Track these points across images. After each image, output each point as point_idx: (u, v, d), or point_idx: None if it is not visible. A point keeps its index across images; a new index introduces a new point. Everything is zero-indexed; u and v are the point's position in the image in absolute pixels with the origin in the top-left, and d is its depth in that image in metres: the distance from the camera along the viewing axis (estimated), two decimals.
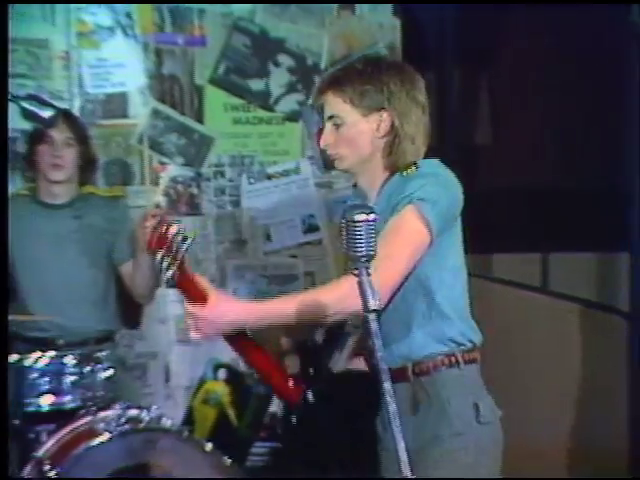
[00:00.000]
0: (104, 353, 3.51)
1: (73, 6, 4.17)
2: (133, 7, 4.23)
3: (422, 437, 2.44)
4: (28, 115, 2.66)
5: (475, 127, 4.85)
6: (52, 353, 3.40)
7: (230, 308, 2.39)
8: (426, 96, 2.58)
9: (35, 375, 3.36)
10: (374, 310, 1.97)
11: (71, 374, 3.41)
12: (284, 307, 2.37)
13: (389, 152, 2.51)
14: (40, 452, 3.21)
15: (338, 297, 2.34)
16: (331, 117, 2.53)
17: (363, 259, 1.97)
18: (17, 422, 3.35)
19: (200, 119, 4.33)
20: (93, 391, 3.42)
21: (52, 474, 3.11)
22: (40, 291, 3.69)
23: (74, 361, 3.42)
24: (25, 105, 2.63)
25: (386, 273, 2.31)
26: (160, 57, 4.29)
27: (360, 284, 1.98)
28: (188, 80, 4.32)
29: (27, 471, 3.18)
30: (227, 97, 4.34)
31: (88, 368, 3.43)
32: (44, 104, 2.71)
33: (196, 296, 2.40)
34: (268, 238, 4.45)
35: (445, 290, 2.50)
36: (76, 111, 4.14)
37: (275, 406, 3.38)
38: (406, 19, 4.43)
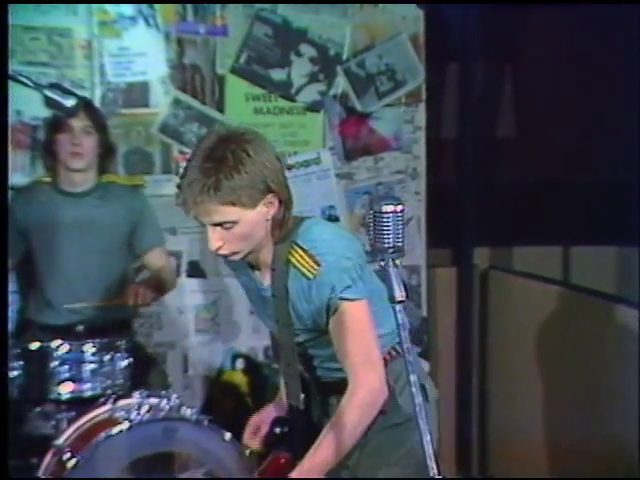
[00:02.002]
0: (123, 342, 3.52)
1: None
2: None
3: (372, 429, 2.50)
4: (51, 104, 2.65)
5: (497, 119, 4.83)
6: (72, 341, 3.40)
7: None
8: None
9: (55, 363, 3.37)
10: (400, 301, 1.97)
11: (91, 362, 3.42)
12: (324, 458, 2.41)
13: (279, 226, 2.43)
14: (60, 440, 3.22)
15: (362, 409, 2.40)
16: (218, 224, 2.36)
17: (390, 250, 1.96)
18: (38, 409, 3.37)
19: (221, 109, 4.31)
20: (113, 379, 3.43)
21: (72, 462, 3.12)
22: (59, 278, 3.70)
23: (94, 349, 3.43)
24: (48, 93, 2.63)
25: (373, 374, 2.40)
26: (182, 46, 4.27)
27: (387, 275, 1.98)
28: (209, 70, 4.30)
29: (47, 459, 3.19)
30: (248, 87, 4.32)
31: (108, 356, 3.44)
32: (66, 93, 2.71)
33: None
34: None
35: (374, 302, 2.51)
36: (97, 100, 4.14)
37: None
38: (429, 10, 4.40)
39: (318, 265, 2.38)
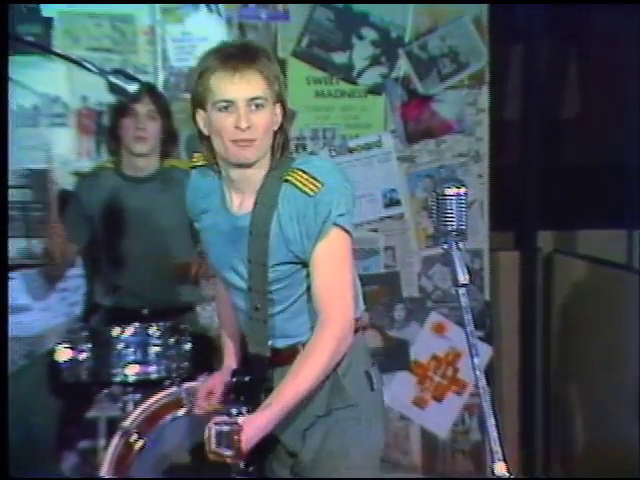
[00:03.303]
0: (187, 325, 3.55)
1: None
2: None
3: (313, 413, 2.47)
4: (115, 89, 2.69)
5: (561, 101, 4.77)
6: (137, 324, 3.44)
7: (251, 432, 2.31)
8: None
9: (121, 345, 3.41)
10: (464, 285, 1.96)
11: (156, 345, 3.45)
12: (294, 392, 2.34)
13: (281, 150, 2.43)
14: (127, 422, 3.26)
15: (332, 348, 2.36)
16: (254, 98, 2.35)
17: (454, 233, 1.96)
18: (105, 391, 3.42)
19: None
20: (177, 362, 3.46)
21: (139, 444, 3.17)
22: (123, 263, 3.74)
23: (159, 332, 3.46)
24: (112, 79, 2.66)
25: (346, 311, 2.37)
26: (243, 31, 4.29)
27: (450, 258, 1.97)
28: (271, 53, 4.30)
29: (115, 441, 3.24)
30: (310, 70, 4.32)
31: (172, 339, 3.47)
32: (129, 78, 2.75)
33: None
34: None
35: None
36: (160, 85, 4.17)
37: None
38: None
39: (321, 184, 2.36)
